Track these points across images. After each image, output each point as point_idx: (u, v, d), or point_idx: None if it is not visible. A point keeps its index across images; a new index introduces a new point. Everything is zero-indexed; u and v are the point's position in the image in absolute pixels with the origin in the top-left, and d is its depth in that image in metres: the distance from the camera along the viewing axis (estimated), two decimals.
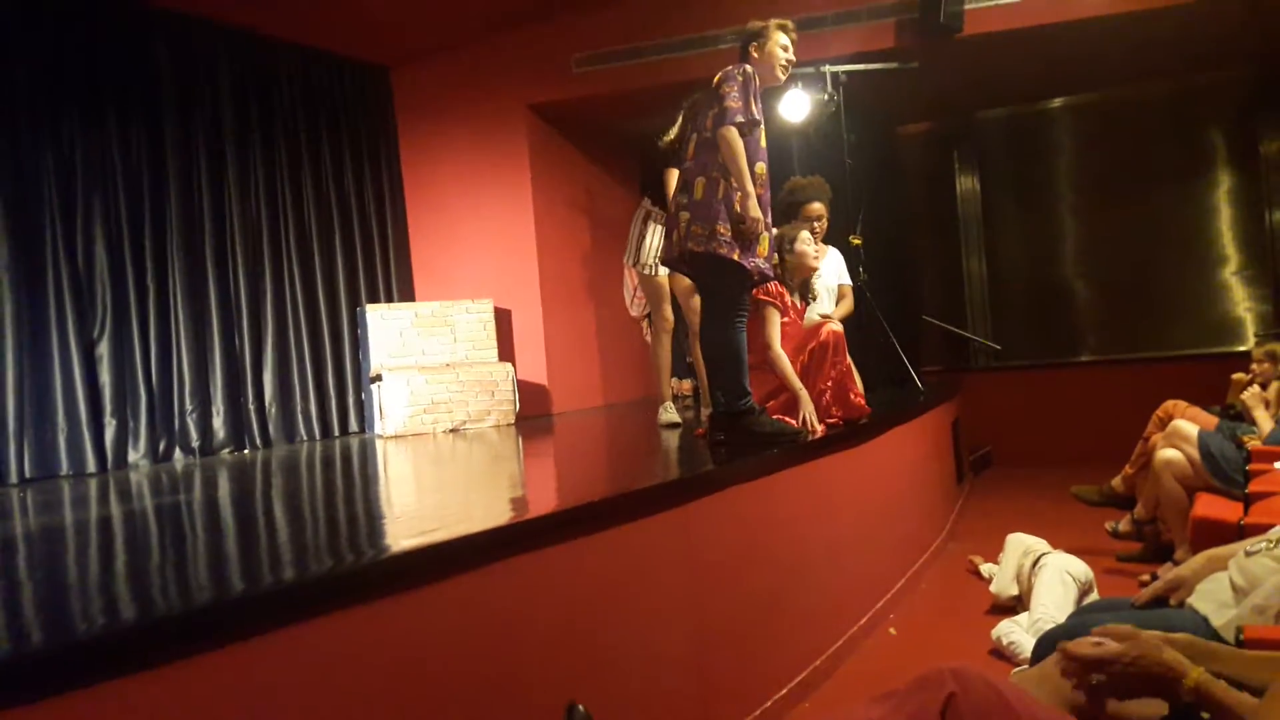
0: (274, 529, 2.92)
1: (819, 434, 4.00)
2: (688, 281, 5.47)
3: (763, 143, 3.84)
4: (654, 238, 5.39)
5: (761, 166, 3.82)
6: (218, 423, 6.35)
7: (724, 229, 3.67)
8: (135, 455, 5.89)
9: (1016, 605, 4.00)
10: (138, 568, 2.44)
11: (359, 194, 7.54)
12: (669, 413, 5.38)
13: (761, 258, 3.80)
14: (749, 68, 3.80)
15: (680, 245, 3.79)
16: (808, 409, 4.03)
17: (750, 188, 3.67)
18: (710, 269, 3.79)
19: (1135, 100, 8.43)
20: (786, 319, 4.19)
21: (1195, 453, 4.20)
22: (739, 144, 3.67)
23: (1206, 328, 8.22)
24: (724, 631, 2.99)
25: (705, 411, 4.90)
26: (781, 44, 3.89)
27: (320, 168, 7.25)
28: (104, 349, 5.82)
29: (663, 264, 4.61)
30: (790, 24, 3.95)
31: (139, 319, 5.99)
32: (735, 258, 3.69)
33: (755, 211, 3.67)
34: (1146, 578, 2.86)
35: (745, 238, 3.68)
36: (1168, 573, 2.15)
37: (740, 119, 3.69)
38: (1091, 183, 8.73)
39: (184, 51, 6.35)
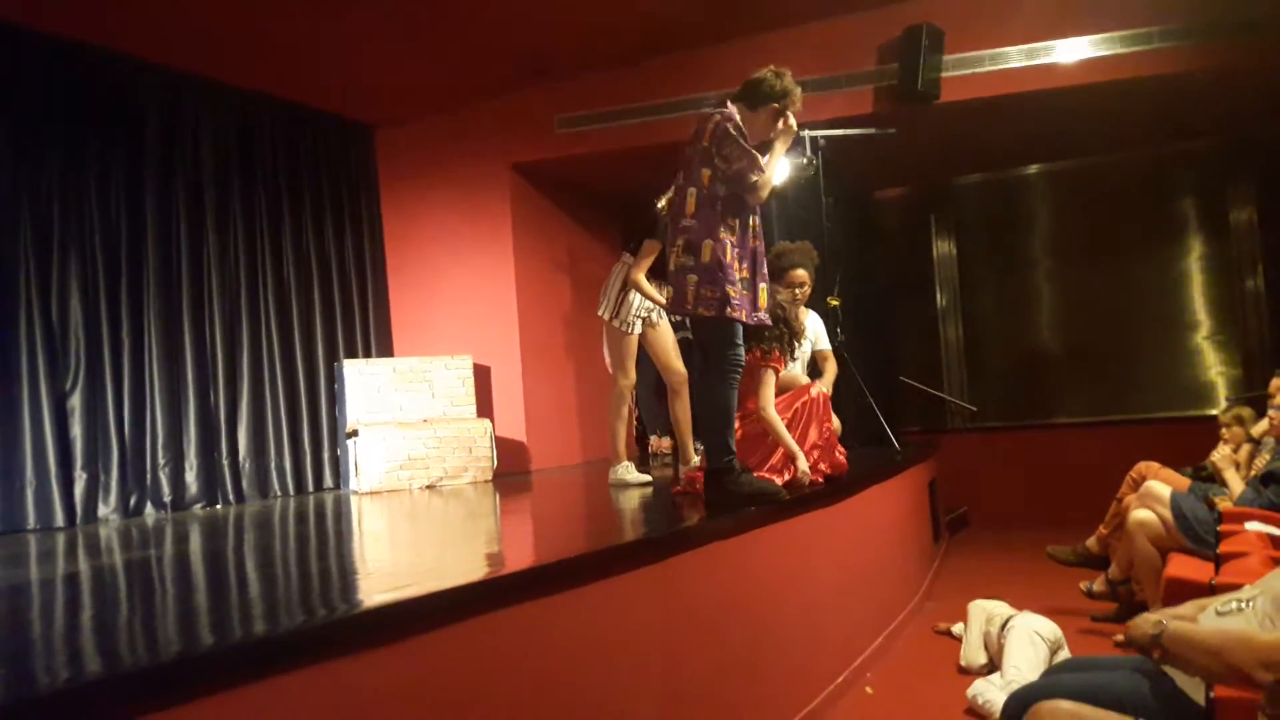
0: (245, 584, 2.89)
1: (818, 481, 4.04)
2: (670, 342, 5.49)
3: None
4: (638, 299, 5.39)
5: (755, 220, 3.85)
6: (190, 477, 6.28)
7: (734, 292, 3.67)
8: (105, 509, 5.82)
9: (987, 670, 4.00)
10: (104, 621, 2.40)
11: (339, 249, 7.56)
12: (629, 472, 5.34)
13: (762, 310, 3.83)
14: (735, 114, 3.72)
15: (688, 307, 3.73)
16: (803, 465, 4.06)
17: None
18: (716, 330, 3.79)
19: (1109, 168, 8.60)
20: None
21: (1168, 514, 4.23)
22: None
23: (1178, 391, 8.32)
24: (700, 690, 2.96)
25: (683, 469, 4.89)
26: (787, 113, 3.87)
27: (301, 223, 7.28)
28: (76, 401, 5.76)
29: (674, 313, 4.52)
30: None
31: (113, 371, 5.95)
32: (744, 318, 3.72)
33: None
34: (1120, 638, 2.85)
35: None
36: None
37: (755, 178, 3.67)
38: (1066, 248, 8.87)
39: (168, 105, 6.39)
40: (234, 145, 6.83)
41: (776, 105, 3.83)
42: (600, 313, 5.53)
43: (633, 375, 5.51)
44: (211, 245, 6.59)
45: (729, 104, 3.78)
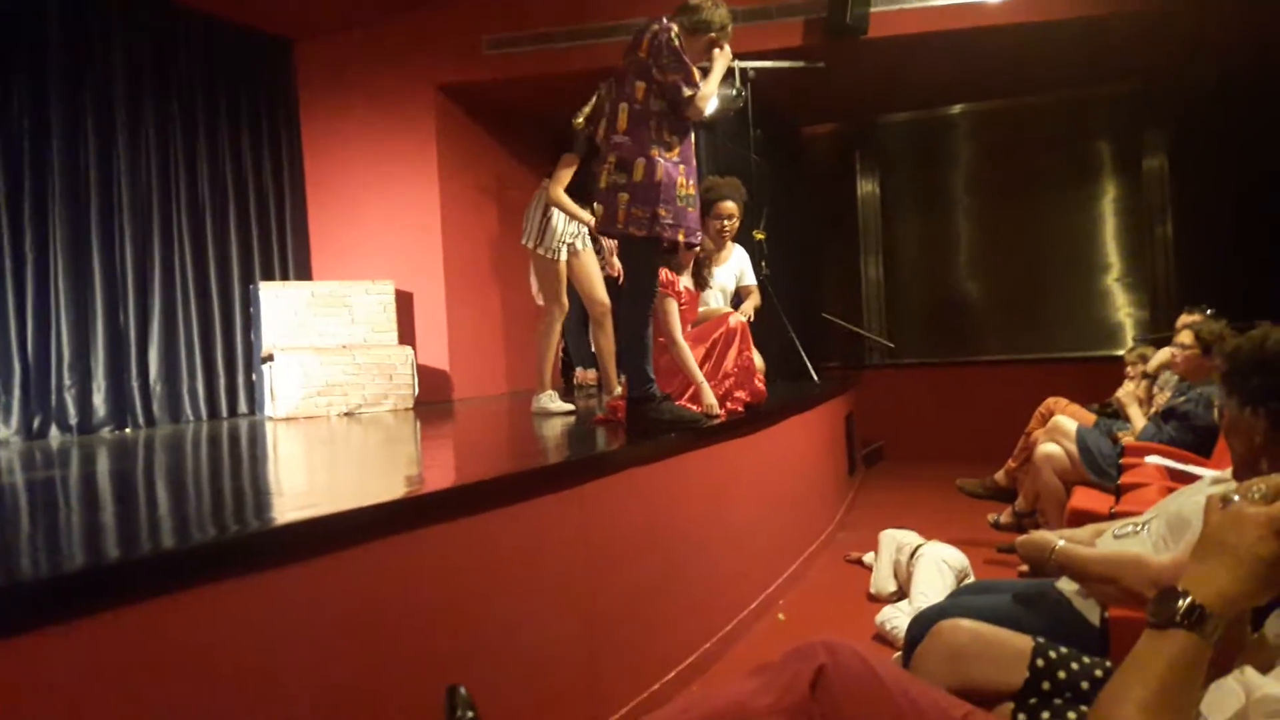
0: (155, 503, 2.83)
1: (722, 417, 4.05)
2: (594, 271, 5.46)
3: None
4: (561, 222, 5.34)
5: (691, 136, 3.82)
6: (98, 400, 6.10)
7: (665, 211, 3.64)
8: (6, 431, 5.62)
9: (896, 598, 4.12)
10: (2, 538, 2.33)
11: (256, 168, 7.33)
12: (553, 401, 5.29)
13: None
14: (673, 26, 3.65)
15: (618, 226, 3.69)
16: (708, 398, 4.07)
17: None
18: (639, 256, 3.78)
19: (1031, 110, 8.74)
20: (684, 305, 4.23)
21: (1074, 448, 4.38)
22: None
23: (1089, 331, 8.58)
24: (615, 613, 2.99)
25: (606, 399, 4.90)
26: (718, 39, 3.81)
27: (217, 139, 7.02)
28: None
29: (603, 235, 4.43)
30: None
31: (15, 288, 5.71)
32: (681, 237, 3.70)
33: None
34: (1024, 568, 2.97)
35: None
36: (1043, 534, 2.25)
37: (690, 92, 3.61)
38: (986, 188, 9.03)
39: (74, 10, 6.06)
40: (146, 57, 6.51)
41: (713, 35, 3.79)
42: (524, 241, 5.46)
43: (565, 303, 5.46)
44: (122, 160, 6.32)
45: (664, 19, 3.72)
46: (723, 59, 3.80)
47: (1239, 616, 1.19)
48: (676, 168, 3.68)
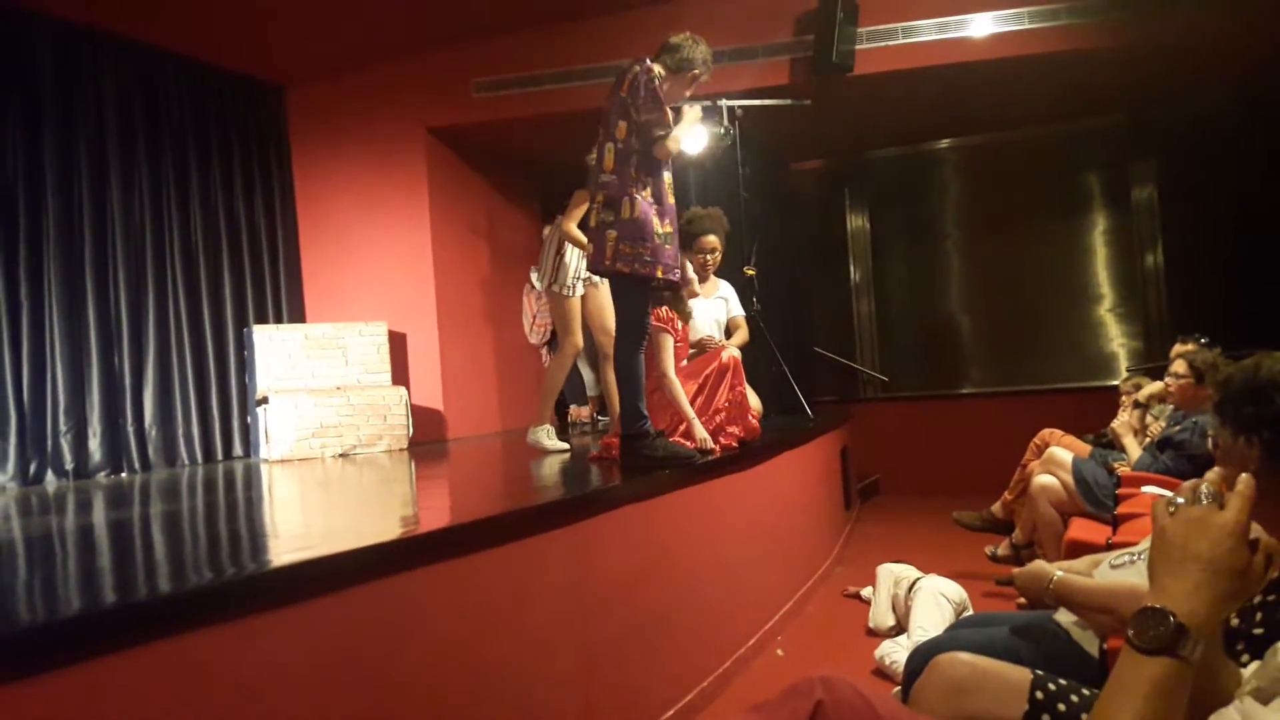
0: (151, 547, 2.82)
1: (716, 452, 4.06)
2: (606, 305, 5.47)
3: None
4: (575, 258, 5.36)
5: (668, 176, 3.87)
6: (94, 444, 6.10)
7: (644, 249, 3.70)
8: (3, 478, 5.62)
9: (895, 632, 4.11)
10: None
11: (249, 211, 7.38)
12: (550, 438, 5.31)
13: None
14: (655, 67, 3.77)
15: (606, 263, 3.76)
16: (700, 433, 4.09)
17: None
18: (629, 290, 3.82)
19: (1018, 143, 8.81)
20: (679, 342, 4.27)
21: (1069, 478, 4.39)
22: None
23: (1082, 362, 8.59)
24: (611, 651, 2.98)
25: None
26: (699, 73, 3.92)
27: (209, 184, 7.07)
28: None
29: (594, 274, 4.50)
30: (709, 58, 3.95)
31: (10, 334, 5.74)
32: (662, 274, 3.75)
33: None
34: (1022, 600, 2.97)
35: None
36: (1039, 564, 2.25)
37: (659, 133, 3.72)
38: (976, 222, 9.07)
39: (67, 58, 6.13)
40: (139, 103, 6.59)
41: (695, 72, 3.88)
42: (537, 282, 5.49)
43: (580, 338, 5.48)
44: (116, 204, 6.36)
45: (647, 60, 3.80)
46: (693, 113, 3.89)
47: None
48: (651, 207, 3.75)
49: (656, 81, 3.72)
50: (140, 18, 6.25)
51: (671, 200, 3.87)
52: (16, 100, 5.86)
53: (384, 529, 2.81)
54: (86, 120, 6.24)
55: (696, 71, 3.89)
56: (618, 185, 3.74)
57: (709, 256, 5.23)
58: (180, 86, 6.89)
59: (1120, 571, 2.15)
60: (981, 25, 6.44)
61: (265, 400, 6.46)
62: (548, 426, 5.39)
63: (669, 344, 4.15)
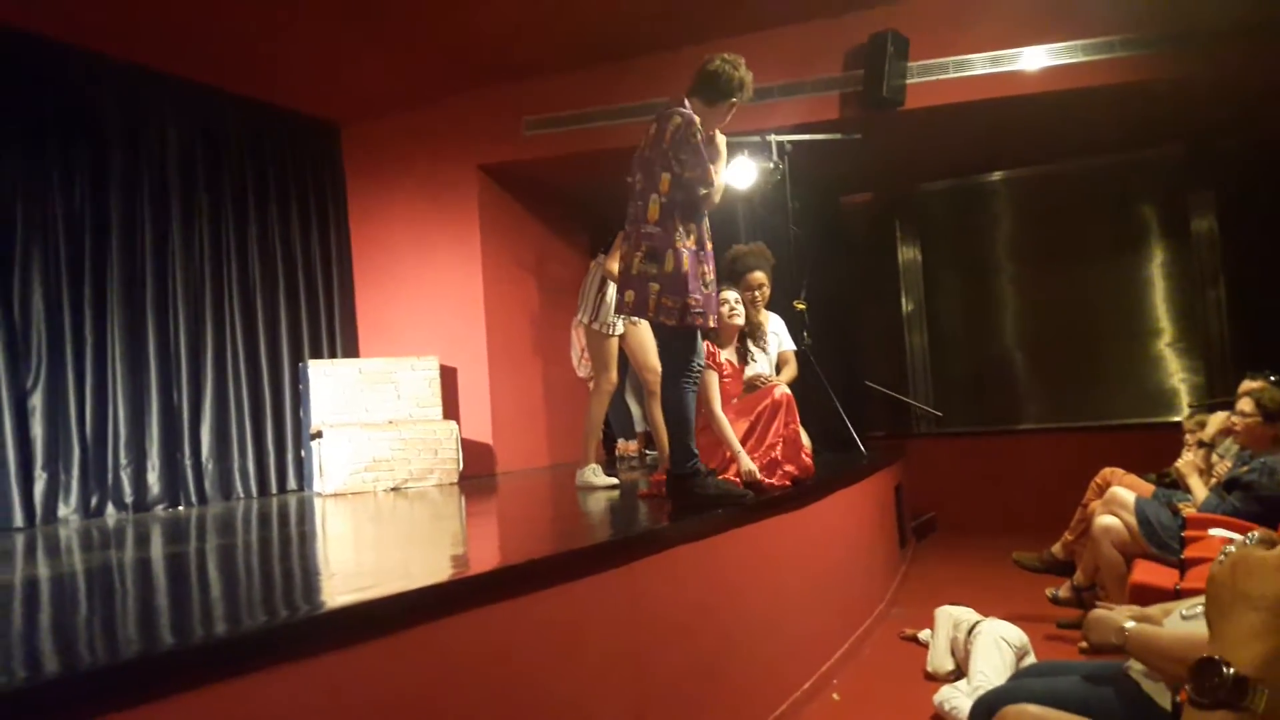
0: (207, 585, 2.84)
1: (764, 483, 4.06)
2: (650, 341, 5.47)
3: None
4: (615, 296, 5.38)
5: (706, 221, 3.87)
6: (152, 478, 6.20)
7: (695, 301, 3.69)
8: (65, 510, 5.72)
9: (954, 676, 4.01)
10: (62, 622, 2.35)
11: (305, 248, 7.50)
12: (597, 475, 5.33)
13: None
14: (696, 119, 3.74)
15: (650, 315, 3.76)
16: (746, 465, 4.06)
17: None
18: (677, 337, 3.81)
19: (1072, 175, 8.70)
20: (727, 378, 4.25)
21: (1133, 520, 4.27)
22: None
23: (1142, 398, 8.41)
24: (665, 696, 2.94)
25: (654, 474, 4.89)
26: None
27: (266, 221, 7.21)
28: (37, 400, 5.67)
29: (634, 316, 4.52)
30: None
31: (75, 370, 5.86)
32: (709, 323, 3.77)
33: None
34: (1085, 645, 2.87)
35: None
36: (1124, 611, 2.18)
37: (704, 190, 3.74)
38: (1030, 255, 8.95)
39: (130, 100, 6.31)
40: (199, 143, 6.75)
41: (735, 100, 3.86)
42: (579, 319, 5.53)
43: (615, 376, 5.52)
44: (176, 243, 6.51)
45: (686, 102, 3.79)
46: (724, 159, 3.93)
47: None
48: (695, 255, 3.75)
49: (698, 136, 3.71)
50: (201, 60, 6.43)
51: (710, 246, 3.87)
52: (83, 141, 6.03)
53: (435, 570, 2.80)
54: (150, 160, 6.41)
55: (734, 100, 3.88)
56: (662, 237, 3.73)
57: (758, 293, 5.21)
58: (239, 126, 7.06)
59: (1192, 623, 2.08)
60: (1034, 58, 6.38)
61: (319, 434, 6.53)
62: (594, 465, 5.40)
63: (715, 381, 4.15)
